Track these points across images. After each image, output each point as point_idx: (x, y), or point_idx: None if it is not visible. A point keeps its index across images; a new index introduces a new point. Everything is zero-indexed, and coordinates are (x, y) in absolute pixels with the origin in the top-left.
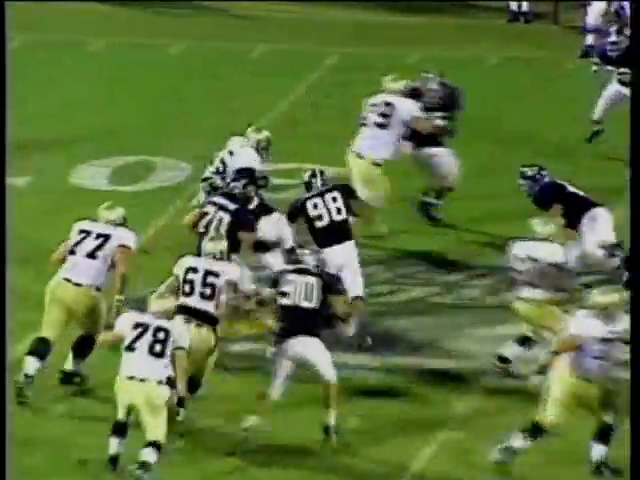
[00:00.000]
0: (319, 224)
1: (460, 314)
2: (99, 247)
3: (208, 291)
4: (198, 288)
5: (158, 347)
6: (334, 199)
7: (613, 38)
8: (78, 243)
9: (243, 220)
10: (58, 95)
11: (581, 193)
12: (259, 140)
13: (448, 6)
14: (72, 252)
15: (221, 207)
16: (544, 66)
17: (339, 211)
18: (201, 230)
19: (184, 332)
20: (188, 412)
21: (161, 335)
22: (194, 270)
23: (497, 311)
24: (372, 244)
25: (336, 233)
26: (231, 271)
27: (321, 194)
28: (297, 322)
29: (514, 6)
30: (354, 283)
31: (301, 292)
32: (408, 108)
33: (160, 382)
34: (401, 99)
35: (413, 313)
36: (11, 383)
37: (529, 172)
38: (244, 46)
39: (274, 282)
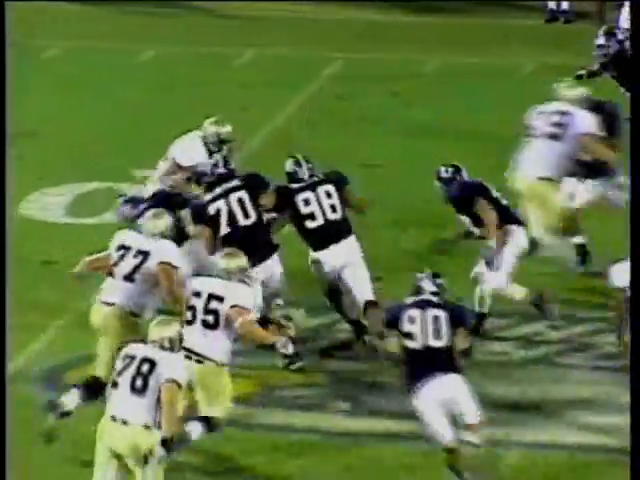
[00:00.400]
0: (311, 224)
1: (489, 371)
2: (137, 267)
3: (210, 319)
4: (200, 315)
5: (139, 382)
6: (328, 194)
7: (601, 41)
8: (116, 264)
9: (258, 183)
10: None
11: (504, 202)
12: (211, 134)
13: (474, 5)
14: (110, 274)
15: (229, 191)
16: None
17: (334, 208)
18: (227, 231)
19: (176, 362)
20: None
21: (145, 368)
22: (197, 294)
23: (534, 368)
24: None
25: (332, 233)
26: (240, 295)
27: (312, 187)
28: (429, 365)
29: (552, 4)
30: (362, 283)
31: (429, 329)
32: (587, 120)
33: (147, 426)
34: (579, 110)
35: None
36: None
37: (445, 173)
38: (230, 51)
39: (391, 322)
